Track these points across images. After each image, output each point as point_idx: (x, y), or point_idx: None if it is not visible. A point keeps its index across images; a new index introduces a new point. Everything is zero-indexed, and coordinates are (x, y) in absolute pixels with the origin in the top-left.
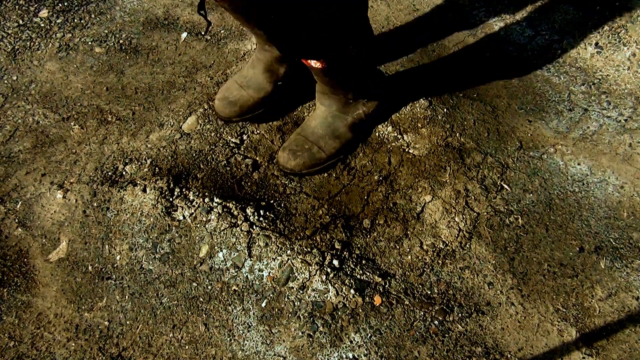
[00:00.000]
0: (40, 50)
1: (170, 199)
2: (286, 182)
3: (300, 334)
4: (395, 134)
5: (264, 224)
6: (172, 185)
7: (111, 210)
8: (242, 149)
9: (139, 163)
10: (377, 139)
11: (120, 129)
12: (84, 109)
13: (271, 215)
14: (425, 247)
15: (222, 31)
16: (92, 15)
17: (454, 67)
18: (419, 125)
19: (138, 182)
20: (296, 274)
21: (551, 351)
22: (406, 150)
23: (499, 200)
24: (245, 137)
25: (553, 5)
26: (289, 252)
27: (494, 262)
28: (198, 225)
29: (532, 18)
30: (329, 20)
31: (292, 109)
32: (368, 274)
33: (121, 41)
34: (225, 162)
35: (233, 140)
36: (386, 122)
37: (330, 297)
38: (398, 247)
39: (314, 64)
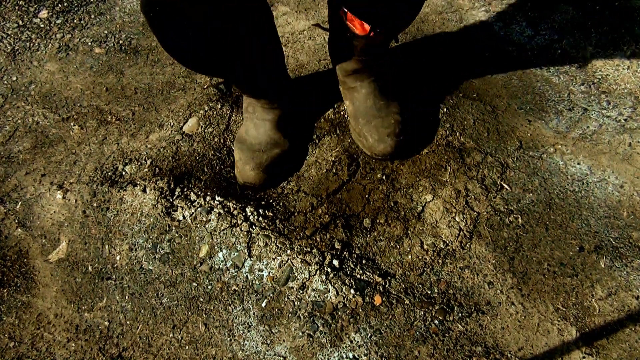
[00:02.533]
0: (39, 50)
1: (171, 199)
2: (285, 184)
3: (300, 333)
4: None
5: (264, 224)
6: (172, 186)
7: (111, 211)
8: None
9: (139, 163)
10: None
11: (120, 129)
12: (83, 109)
13: (271, 214)
14: (425, 246)
15: None
16: (92, 16)
17: (454, 66)
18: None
19: (138, 182)
20: (296, 274)
21: (551, 350)
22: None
23: (499, 200)
24: None
25: (553, 5)
26: (288, 252)
27: (494, 261)
28: (198, 226)
29: (532, 18)
30: None
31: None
32: (368, 273)
33: (121, 42)
34: (226, 165)
35: (233, 140)
36: None
37: (330, 297)
38: (398, 246)
39: (376, 31)
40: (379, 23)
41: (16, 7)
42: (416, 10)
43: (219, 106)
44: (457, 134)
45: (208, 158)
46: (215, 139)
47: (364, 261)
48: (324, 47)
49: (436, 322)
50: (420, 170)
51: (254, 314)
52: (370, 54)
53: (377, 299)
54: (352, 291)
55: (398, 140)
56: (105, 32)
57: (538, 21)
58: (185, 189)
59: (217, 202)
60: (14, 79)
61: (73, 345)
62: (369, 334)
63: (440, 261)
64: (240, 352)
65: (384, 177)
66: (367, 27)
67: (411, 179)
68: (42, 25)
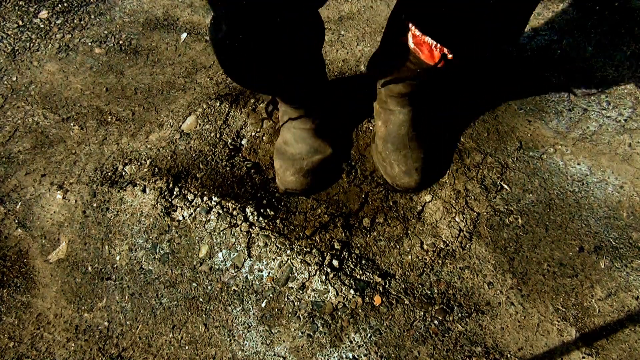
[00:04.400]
0: (40, 51)
1: (170, 199)
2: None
3: (300, 334)
4: None
5: (263, 224)
6: (171, 186)
7: (111, 211)
8: (242, 150)
9: (139, 163)
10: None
11: (119, 129)
12: (83, 109)
13: (270, 214)
14: (425, 246)
15: None
16: (92, 16)
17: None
18: None
19: (138, 182)
20: (296, 274)
21: (551, 351)
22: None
23: (499, 200)
24: (244, 138)
25: (553, 6)
26: (288, 252)
27: (493, 262)
28: (197, 226)
29: (532, 18)
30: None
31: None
32: (368, 274)
33: (121, 42)
34: (225, 162)
35: (232, 141)
36: None
37: (330, 297)
38: (398, 246)
39: (447, 54)
40: (458, 47)
41: (16, 7)
42: (507, 34)
43: (218, 103)
44: (457, 134)
45: (204, 154)
46: (212, 135)
47: (363, 261)
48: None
49: (436, 322)
50: None
51: (253, 314)
52: (428, 83)
53: (377, 299)
54: (352, 291)
55: (424, 175)
56: (105, 32)
57: (538, 21)
58: (182, 189)
59: (215, 203)
60: (14, 79)
61: (73, 345)
62: (369, 334)
63: (440, 261)
64: (240, 352)
65: (380, 181)
66: (436, 55)
67: None
68: (42, 26)
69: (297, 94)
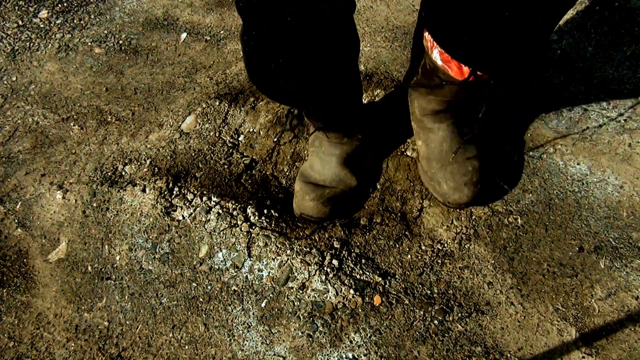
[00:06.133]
0: (39, 50)
1: (170, 199)
2: (283, 181)
3: (300, 334)
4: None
5: (264, 224)
6: (171, 185)
7: (111, 211)
8: (241, 148)
9: (139, 163)
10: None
11: (119, 129)
12: (83, 109)
13: (270, 214)
14: (424, 247)
15: (222, 32)
16: (92, 16)
17: None
18: None
19: (137, 182)
20: (296, 274)
21: (551, 351)
22: (404, 153)
23: (498, 200)
24: (242, 136)
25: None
26: (288, 252)
27: (493, 262)
28: (197, 225)
29: None
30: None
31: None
32: (368, 273)
33: (121, 42)
34: (223, 161)
35: (231, 139)
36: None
37: (330, 297)
38: (398, 246)
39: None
40: (483, 66)
41: (16, 7)
42: (531, 51)
43: (217, 103)
44: None
45: (203, 153)
46: (211, 134)
47: (363, 261)
48: None
49: (436, 322)
50: (416, 173)
51: (253, 314)
52: (461, 96)
53: (377, 299)
54: (352, 291)
55: (476, 189)
56: (105, 32)
57: None
58: (182, 189)
59: (214, 203)
60: (14, 79)
61: (72, 345)
62: (369, 334)
63: (439, 261)
64: (240, 352)
65: (380, 180)
66: (465, 70)
67: (407, 184)
68: (42, 25)
69: (329, 113)
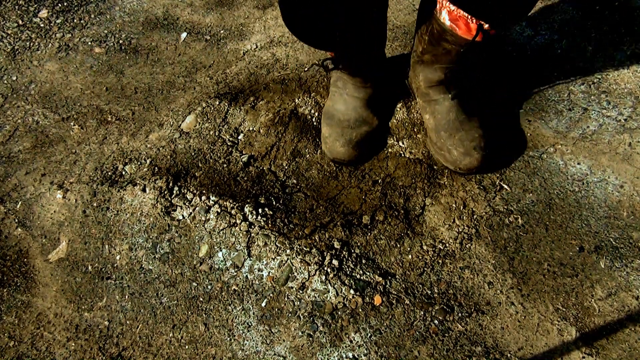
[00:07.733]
0: (39, 50)
1: (170, 199)
2: (283, 180)
3: (300, 333)
4: (392, 141)
5: (263, 223)
6: (171, 185)
7: (111, 210)
8: (240, 146)
9: (139, 163)
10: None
11: (119, 129)
12: (83, 109)
13: (270, 213)
14: (425, 247)
15: (222, 31)
16: (92, 16)
17: None
18: (415, 130)
19: (137, 181)
20: (296, 274)
21: (551, 350)
22: (403, 154)
23: (499, 200)
24: (242, 135)
25: (553, 5)
26: (288, 251)
27: (493, 261)
28: (197, 225)
29: (532, 18)
30: None
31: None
32: (368, 273)
33: (121, 41)
34: (222, 160)
35: (231, 138)
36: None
37: (330, 297)
38: (398, 245)
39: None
40: (491, 17)
41: (16, 7)
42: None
43: (217, 102)
44: None
45: (203, 153)
46: (211, 133)
47: (363, 261)
48: None
49: (436, 322)
50: (416, 173)
51: (253, 313)
52: (466, 60)
53: (377, 299)
54: (352, 291)
55: (484, 153)
56: (105, 31)
57: (538, 21)
58: (182, 188)
59: (213, 202)
60: (14, 78)
61: (73, 344)
62: (369, 334)
63: (440, 261)
64: (240, 351)
65: (379, 181)
66: (473, 27)
67: (408, 182)
68: (42, 25)
69: (357, 56)
